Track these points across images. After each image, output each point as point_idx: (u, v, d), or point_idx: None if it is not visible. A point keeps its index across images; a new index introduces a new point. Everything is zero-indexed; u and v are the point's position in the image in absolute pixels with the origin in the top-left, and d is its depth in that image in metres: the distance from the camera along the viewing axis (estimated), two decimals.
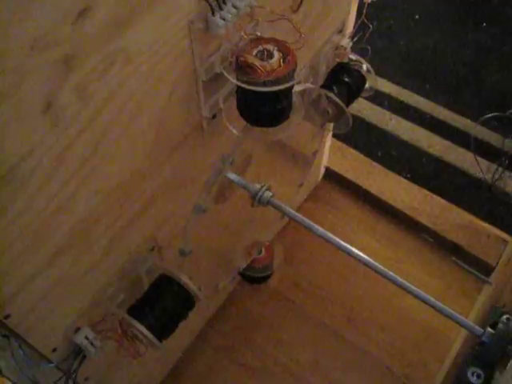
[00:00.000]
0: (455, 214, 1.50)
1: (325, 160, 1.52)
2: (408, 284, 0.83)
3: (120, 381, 1.04)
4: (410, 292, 0.83)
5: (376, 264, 0.87)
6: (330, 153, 1.54)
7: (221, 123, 0.78)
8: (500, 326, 0.80)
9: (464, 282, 1.41)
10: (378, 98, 1.81)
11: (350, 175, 1.55)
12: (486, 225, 1.48)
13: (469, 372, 0.80)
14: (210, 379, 1.27)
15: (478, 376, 0.80)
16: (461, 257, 1.43)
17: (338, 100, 0.97)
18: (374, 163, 1.60)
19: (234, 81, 0.67)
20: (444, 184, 1.63)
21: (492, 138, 1.69)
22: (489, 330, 0.78)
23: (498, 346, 0.78)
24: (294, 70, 0.68)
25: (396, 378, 1.30)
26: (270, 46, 0.68)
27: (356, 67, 1.03)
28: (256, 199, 0.92)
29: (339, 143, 1.60)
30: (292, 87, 0.70)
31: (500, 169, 1.61)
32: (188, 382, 1.26)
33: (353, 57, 1.04)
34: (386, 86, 1.84)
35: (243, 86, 0.66)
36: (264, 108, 0.70)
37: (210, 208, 0.82)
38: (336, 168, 1.56)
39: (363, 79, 1.03)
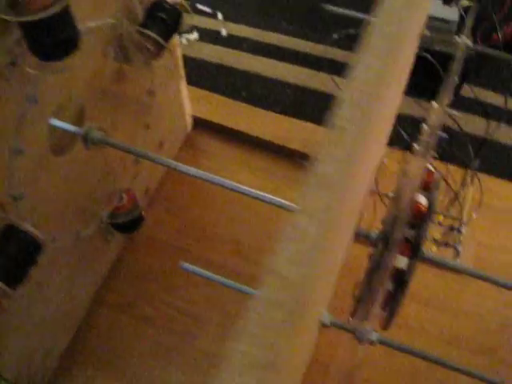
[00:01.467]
0: (323, 134, 1.56)
1: (189, 109, 1.55)
2: (286, 202, 0.94)
3: (16, 348, 1.05)
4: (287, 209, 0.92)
5: (251, 190, 0.95)
6: (195, 102, 1.57)
7: (23, 69, 0.80)
8: None
9: None
10: (237, 43, 1.84)
11: (217, 119, 1.59)
12: None
13: None
14: (111, 338, 1.30)
15: None
16: None
17: (153, 34, 1.01)
18: (241, 103, 1.64)
19: (7, 17, 0.69)
20: (311, 110, 1.68)
21: (346, 57, 1.76)
22: None
23: None
24: None
25: None
26: None
27: (172, 4, 1.07)
28: (87, 140, 0.95)
29: (203, 91, 1.64)
30: (68, 15, 0.73)
31: None
32: (91, 344, 1.29)
33: None
34: (243, 31, 1.87)
35: (14, 20, 0.68)
36: (46, 39, 0.72)
37: (32, 152, 0.84)
38: (203, 115, 1.59)
39: (179, 14, 1.07)
